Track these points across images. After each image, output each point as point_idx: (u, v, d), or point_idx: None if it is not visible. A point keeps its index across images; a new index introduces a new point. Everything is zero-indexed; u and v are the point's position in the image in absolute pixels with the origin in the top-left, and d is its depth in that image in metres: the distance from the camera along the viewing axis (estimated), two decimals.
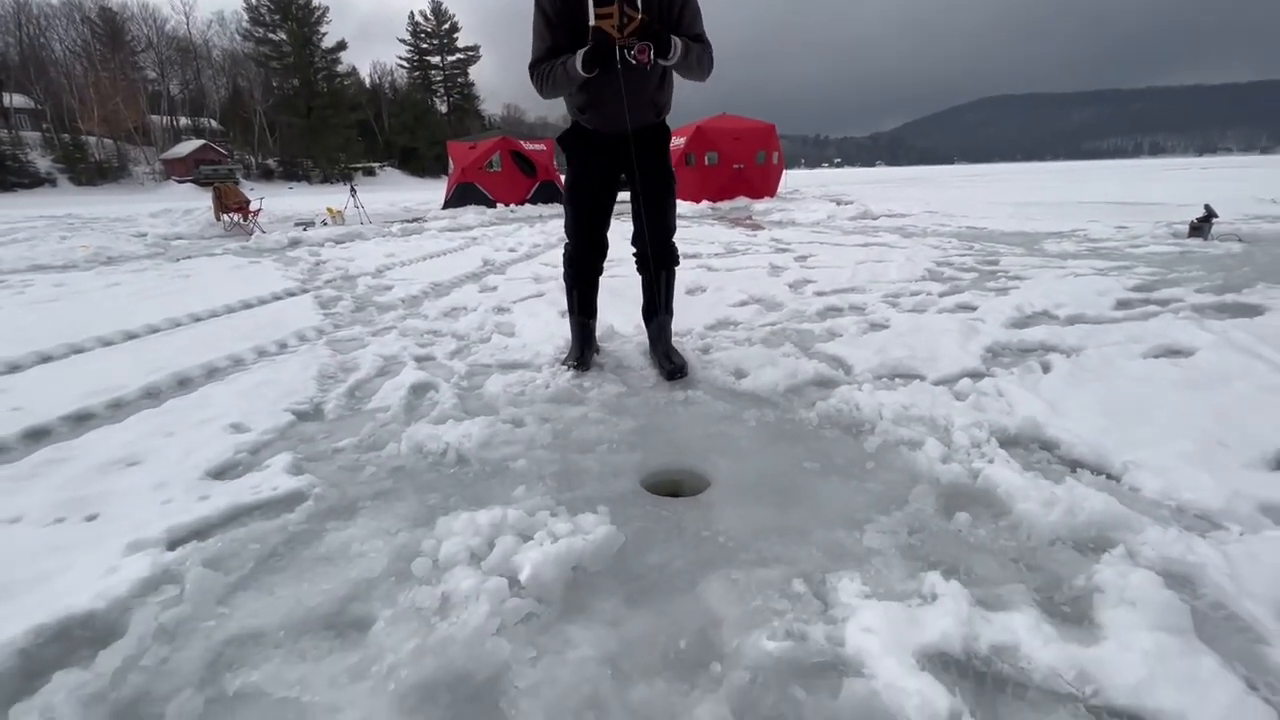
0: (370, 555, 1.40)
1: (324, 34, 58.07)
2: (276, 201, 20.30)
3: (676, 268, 2.66)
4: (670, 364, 2.52)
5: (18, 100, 50.98)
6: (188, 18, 61.72)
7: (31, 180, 43.02)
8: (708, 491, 1.67)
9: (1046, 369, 2.41)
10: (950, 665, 1.02)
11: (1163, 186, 15.54)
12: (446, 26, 71.17)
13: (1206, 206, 6.38)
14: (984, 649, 1.06)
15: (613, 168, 2.47)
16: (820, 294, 4.02)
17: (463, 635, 1.11)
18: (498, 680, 1.05)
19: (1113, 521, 1.33)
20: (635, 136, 2.33)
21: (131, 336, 3.50)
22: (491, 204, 14.05)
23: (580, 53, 2.14)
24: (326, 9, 57.92)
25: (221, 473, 1.81)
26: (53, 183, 44.29)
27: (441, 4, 70.34)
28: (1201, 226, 6.20)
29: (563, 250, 2.61)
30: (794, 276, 4.68)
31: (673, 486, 1.75)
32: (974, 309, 3.46)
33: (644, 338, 2.84)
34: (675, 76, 2.41)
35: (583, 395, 2.34)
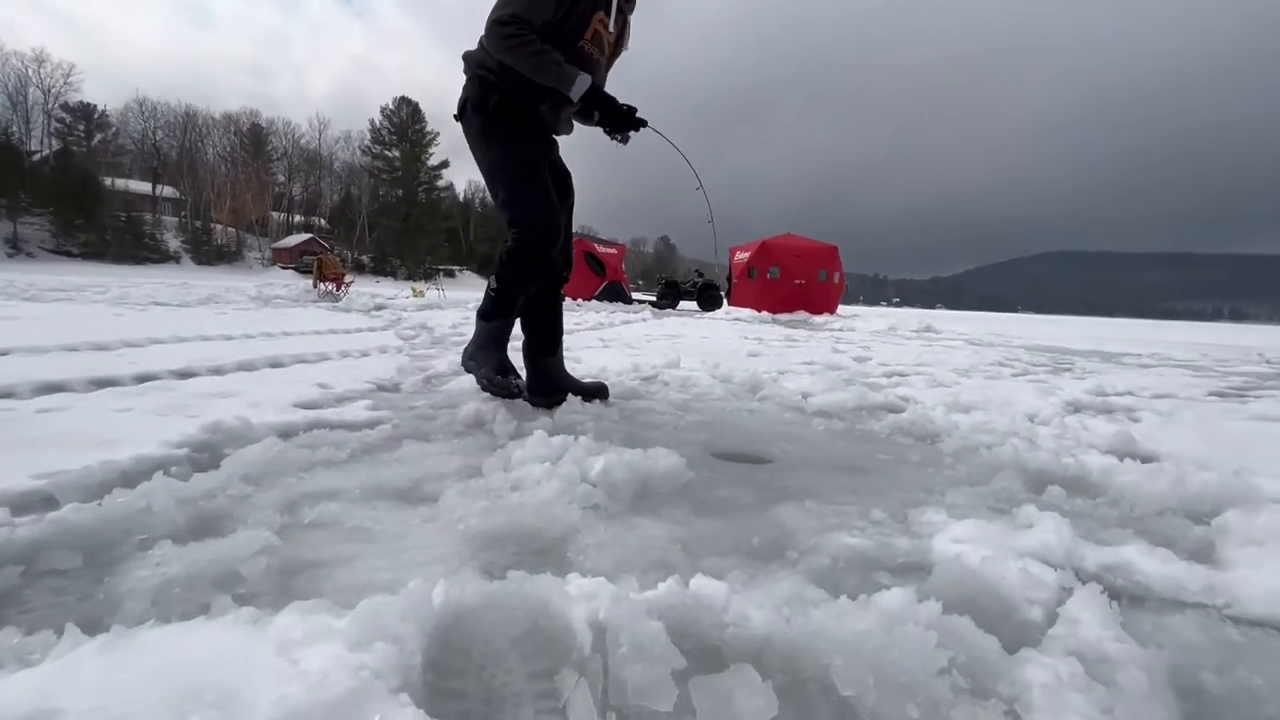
0: (443, 459, 1.42)
1: (431, 154, 65.59)
2: (365, 287, 22.07)
3: None
4: (586, 389, 2.20)
5: (167, 191, 58.96)
6: (320, 134, 70.92)
7: (160, 256, 48.58)
8: (776, 462, 1.63)
9: (1136, 419, 2.29)
10: (1054, 568, 0.93)
11: (1253, 337, 14.92)
12: None
13: None
14: (1091, 567, 0.96)
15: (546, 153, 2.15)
16: (884, 365, 3.98)
17: (534, 502, 1.10)
18: (567, 539, 1.02)
19: (1230, 495, 1.22)
20: (555, 143, 2.20)
21: (230, 338, 3.80)
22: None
23: (585, 80, 1.89)
24: (438, 134, 65.82)
25: (308, 405, 1.90)
26: (177, 260, 49.85)
27: None
28: None
29: (514, 246, 2.05)
30: (857, 354, 4.67)
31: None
32: (1049, 384, 3.35)
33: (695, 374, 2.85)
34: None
35: (649, 396, 2.36)
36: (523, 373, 2.22)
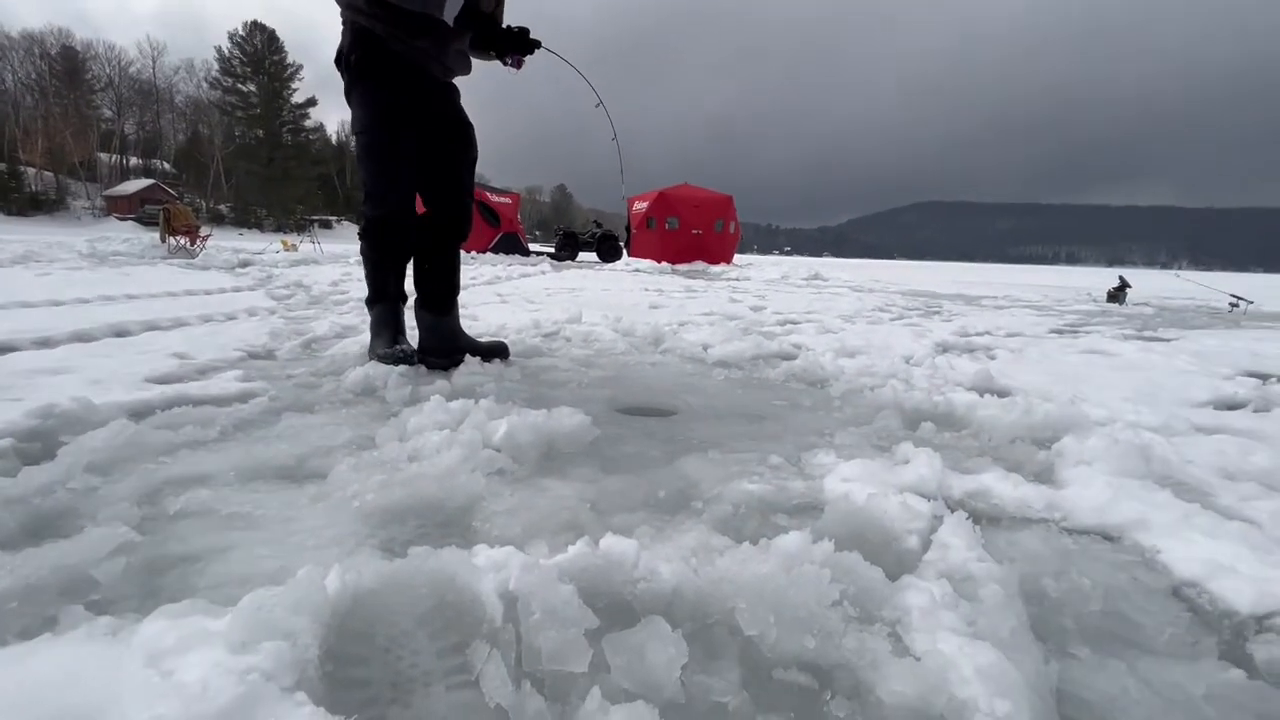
0: (330, 431, 1.32)
1: (295, 89, 58.83)
2: (225, 242, 19.76)
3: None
4: (484, 349, 2.11)
5: None
6: (154, 62, 61.05)
7: None
8: (679, 414, 1.66)
9: (993, 357, 2.56)
10: (928, 499, 1.03)
11: (1085, 278, 17.07)
12: None
13: (1120, 277, 7.04)
14: (957, 494, 1.08)
15: (421, 109, 1.94)
16: (778, 313, 4.17)
17: (434, 472, 1.05)
18: (472, 508, 0.99)
19: (1066, 422, 1.40)
20: (439, 87, 2.00)
21: (59, 304, 3.29)
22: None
23: (458, 1, 1.78)
24: (301, 67, 58.96)
25: (165, 379, 1.69)
26: None
27: None
28: (1118, 295, 6.81)
29: (363, 225, 2.01)
30: (752, 304, 4.85)
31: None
32: (921, 326, 3.66)
33: (596, 328, 2.85)
34: None
35: (552, 353, 2.32)
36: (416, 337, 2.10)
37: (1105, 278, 14.89)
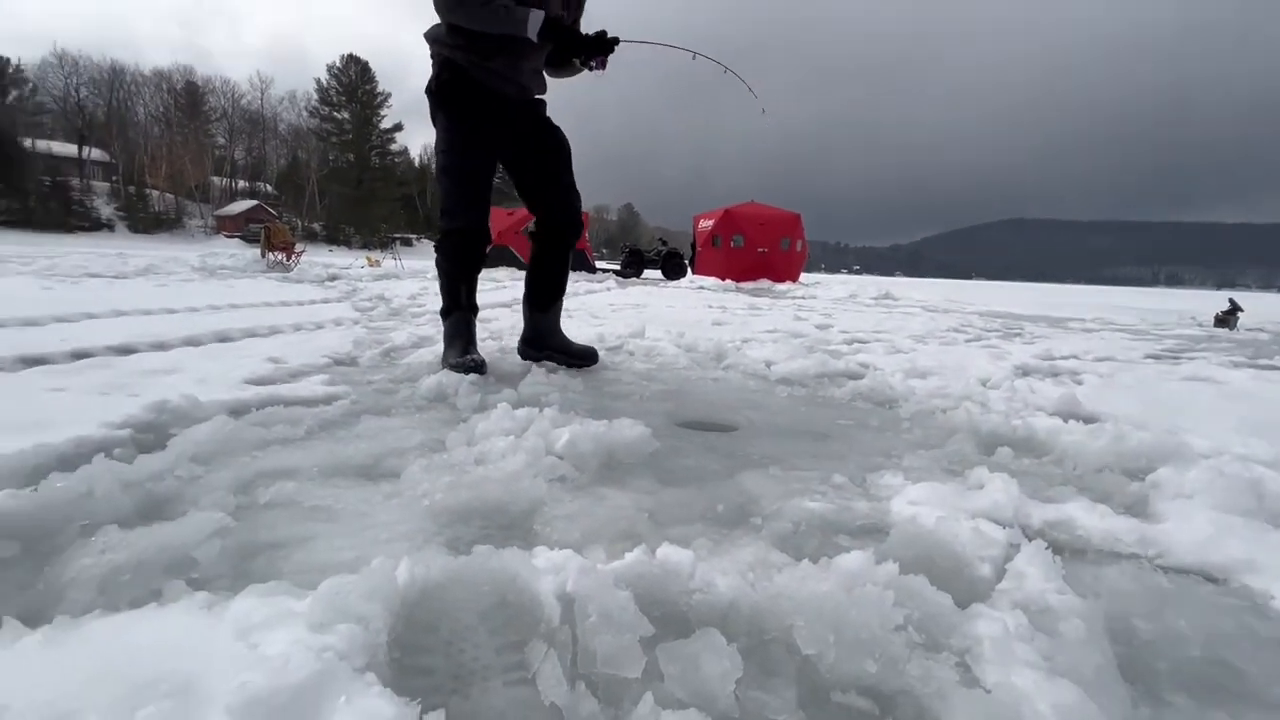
0: (404, 434, 1.39)
1: (383, 116, 62.77)
2: (317, 257, 21.18)
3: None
4: (573, 351, 2.31)
5: (95, 154, 55.10)
6: (263, 94, 66.80)
7: (92, 224, 45.71)
8: (740, 430, 1.65)
9: (1079, 382, 2.39)
10: (1003, 526, 0.98)
11: (1187, 301, 15.73)
12: None
13: (1231, 300, 6.43)
14: (1037, 523, 1.01)
15: (500, 133, 2.15)
16: (844, 332, 4.06)
17: (499, 476, 1.09)
18: (533, 512, 1.02)
19: (1164, 451, 1.29)
20: (530, 105, 2.19)
21: (172, 311, 3.62)
22: (522, 266, 14.55)
23: (539, 15, 1.90)
24: (389, 95, 62.94)
25: (260, 381, 1.83)
26: (110, 228, 47.00)
27: None
28: (1228, 319, 6.22)
29: (439, 238, 2.25)
30: (818, 322, 4.74)
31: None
32: (1000, 349, 3.47)
33: (661, 342, 2.86)
34: None
35: (614, 366, 2.36)
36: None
37: (1213, 301, 13.65)
